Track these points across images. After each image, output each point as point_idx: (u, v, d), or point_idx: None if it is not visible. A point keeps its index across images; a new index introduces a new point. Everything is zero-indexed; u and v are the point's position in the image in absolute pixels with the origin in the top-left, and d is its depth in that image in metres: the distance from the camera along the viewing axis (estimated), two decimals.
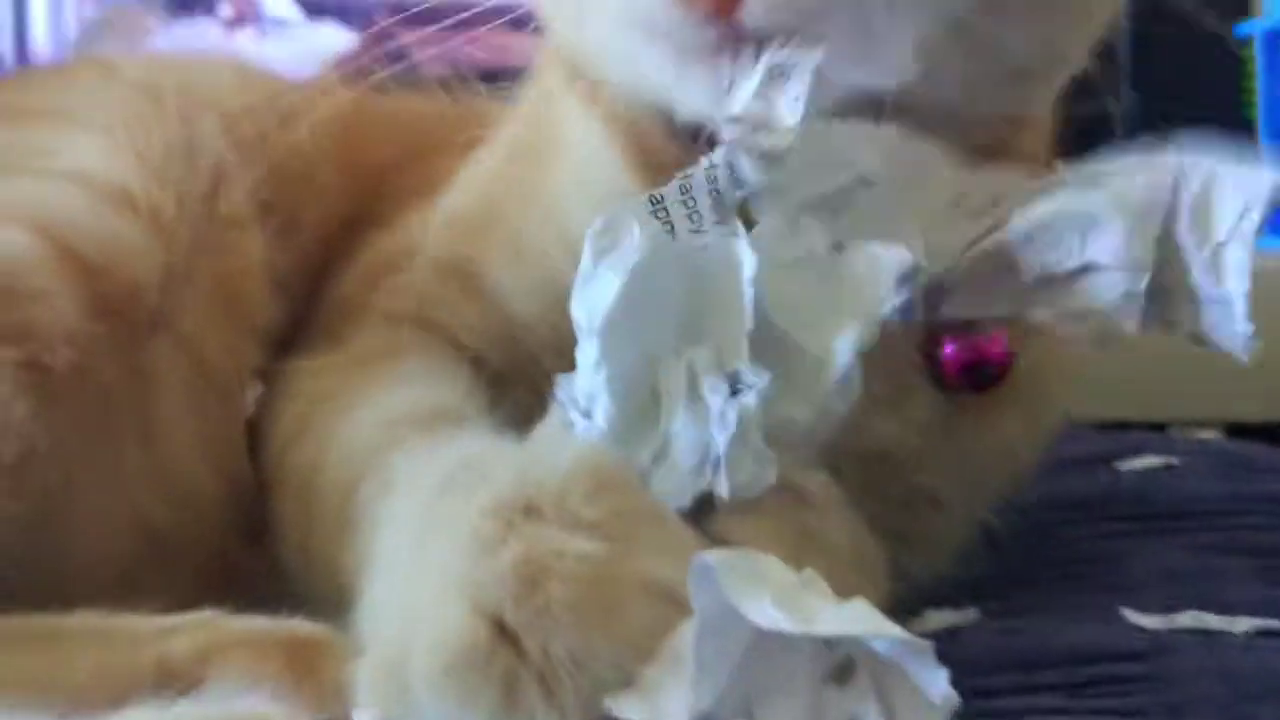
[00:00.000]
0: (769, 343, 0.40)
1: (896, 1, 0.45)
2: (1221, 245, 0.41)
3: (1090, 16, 0.54)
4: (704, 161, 0.42)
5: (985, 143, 0.51)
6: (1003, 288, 0.43)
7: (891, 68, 0.45)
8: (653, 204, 0.41)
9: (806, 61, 0.42)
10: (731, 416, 0.39)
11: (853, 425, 0.44)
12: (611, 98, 0.54)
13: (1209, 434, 0.95)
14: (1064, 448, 0.67)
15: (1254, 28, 1.22)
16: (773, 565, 0.34)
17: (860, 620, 0.33)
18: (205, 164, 0.59)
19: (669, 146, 0.52)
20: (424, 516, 0.41)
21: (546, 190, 0.57)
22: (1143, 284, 0.41)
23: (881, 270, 0.41)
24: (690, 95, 0.47)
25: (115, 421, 0.53)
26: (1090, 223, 0.41)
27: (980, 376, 0.49)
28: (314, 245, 0.63)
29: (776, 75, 0.42)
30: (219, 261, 0.58)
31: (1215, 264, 0.41)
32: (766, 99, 0.42)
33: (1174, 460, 0.74)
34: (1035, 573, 0.58)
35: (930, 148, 0.44)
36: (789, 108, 0.42)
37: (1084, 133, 1.30)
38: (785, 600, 0.32)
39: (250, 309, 0.59)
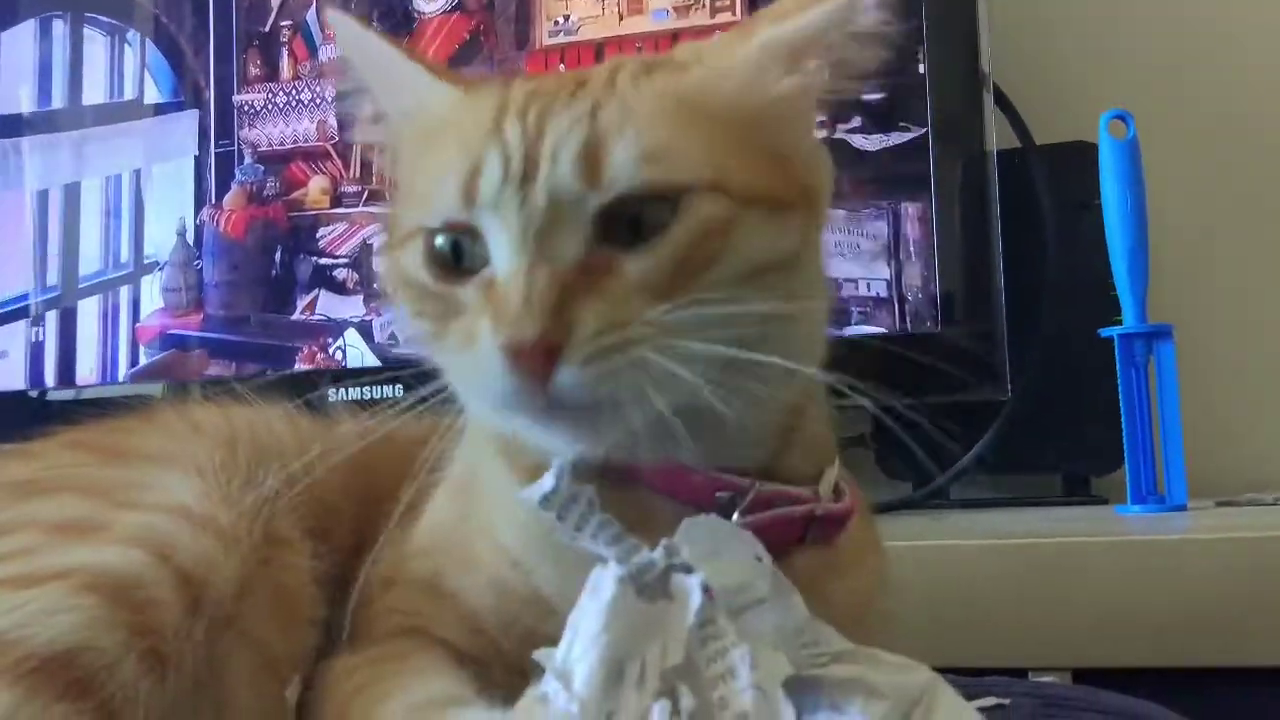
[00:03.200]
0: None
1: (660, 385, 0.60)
2: None
3: (813, 328, 0.70)
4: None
5: (781, 427, 0.69)
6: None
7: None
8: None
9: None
10: None
11: None
12: (527, 453, 0.68)
13: (1051, 678, 1.08)
14: None
15: (1113, 331, 1.37)
16: None
17: None
18: (263, 497, 0.74)
19: None
20: None
21: (482, 515, 0.72)
22: None
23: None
24: (553, 443, 0.63)
25: (200, 698, 0.67)
26: (872, 692, 0.56)
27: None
28: (341, 556, 0.77)
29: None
30: (274, 573, 0.72)
31: None
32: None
33: (1006, 700, 0.85)
34: None
35: (796, 592, 0.57)
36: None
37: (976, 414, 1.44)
38: None
39: (299, 608, 0.73)
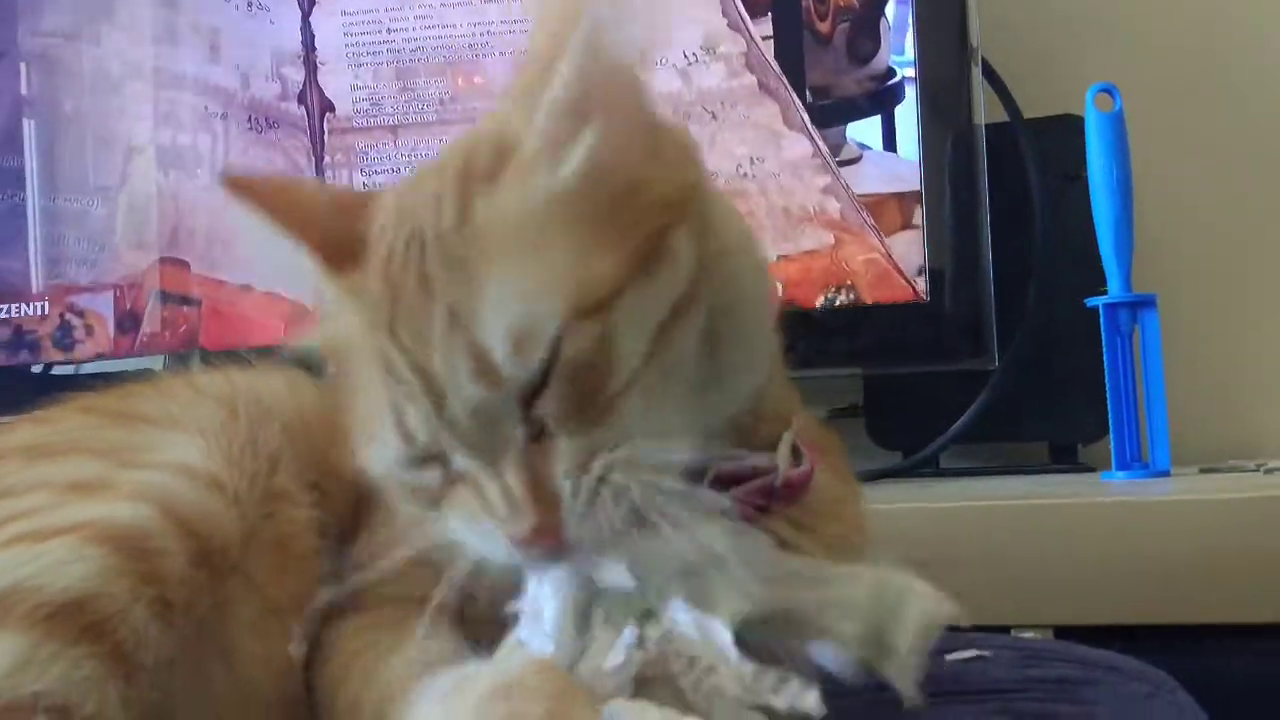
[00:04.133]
0: None
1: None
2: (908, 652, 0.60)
3: (757, 359, 0.71)
4: None
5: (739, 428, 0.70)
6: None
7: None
8: None
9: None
10: (623, 659, 0.59)
11: None
12: None
13: (1031, 634, 1.12)
14: None
15: (1099, 301, 1.40)
16: (647, 708, 0.55)
17: None
18: (264, 455, 0.77)
19: None
20: (442, 704, 0.61)
21: None
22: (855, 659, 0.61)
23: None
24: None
25: (205, 644, 0.70)
26: (845, 614, 0.60)
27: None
28: (344, 512, 0.81)
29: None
30: (275, 525, 0.76)
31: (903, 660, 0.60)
32: None
33: (987, 653, 0.89)
34: None
35: (761, 535, 0.62)
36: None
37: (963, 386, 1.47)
38: None
39: (300, 556, 0.77)
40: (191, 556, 0.68)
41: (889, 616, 0.61)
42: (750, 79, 1.49)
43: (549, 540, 0.62)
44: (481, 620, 0.70)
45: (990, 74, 1.52)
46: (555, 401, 0.61)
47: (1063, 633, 1.14)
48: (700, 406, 0.65)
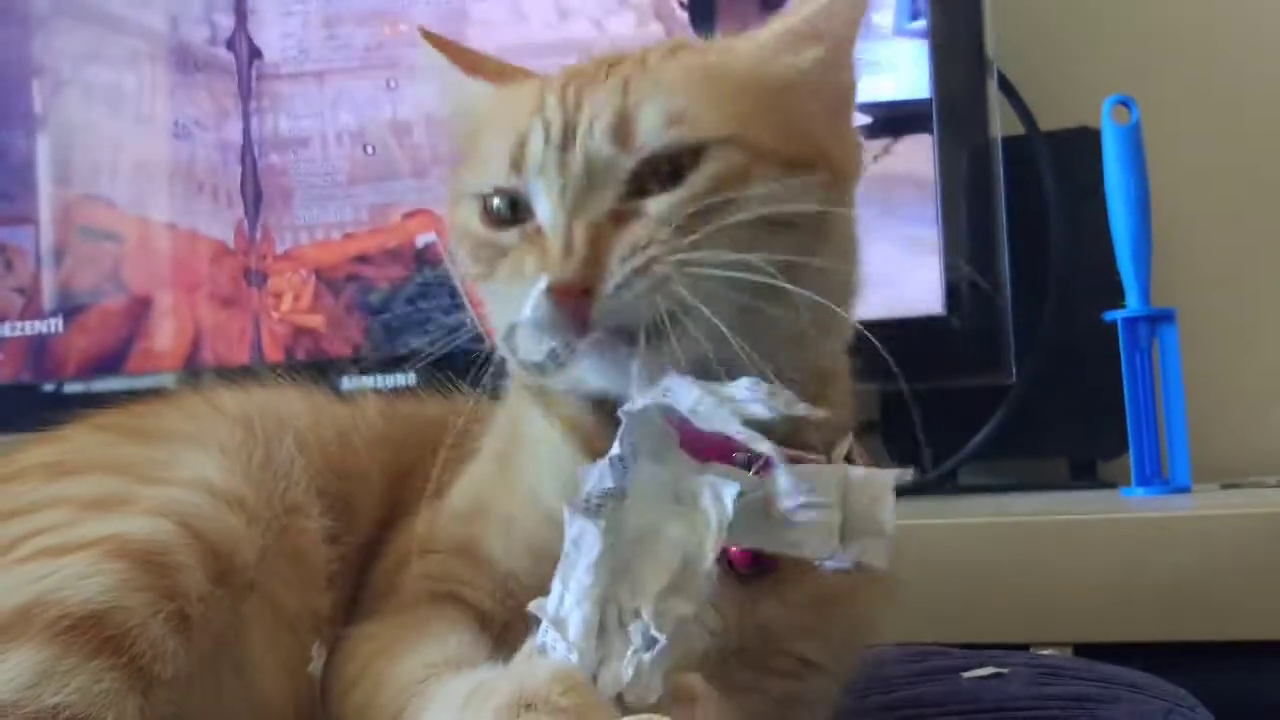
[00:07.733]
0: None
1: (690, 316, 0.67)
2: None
3: (836, 292, 0.73)
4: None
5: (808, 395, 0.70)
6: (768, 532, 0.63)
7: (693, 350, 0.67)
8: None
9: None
10: (634, 663, 0.59)
11: (746, 608, 0.69)
12: (562, 403, 0.75)
13: (1050, 651, 1.11)
14: (934, 662, 0.90)
15: (1117, 315, 1.39)
16: None
17: None
18: (280, 469, 0.79)
19: (603, 433, 0.71)
20: (455, 712, 0.60)
21: (526, 481, 0.76)
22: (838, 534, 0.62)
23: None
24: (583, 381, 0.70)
25: (220, 657, 0.71)
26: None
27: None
28: (368, 526, 0.83)
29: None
30: (289, 538, 0.77)
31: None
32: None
33: (1005, 670, 0.90)
34: None
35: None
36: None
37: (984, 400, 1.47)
38: None
39: (313, 567, 0.78)
40: (211, 574, 0.69)
41: (868, 501, 0.63)
42: (658, 27, 1.51)
43: (576, 303, 0.66)
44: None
45: (1006, 87, 1.51)
46: (671, 195, 0.68)
47: (1083, 650, 1.12)
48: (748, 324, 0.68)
